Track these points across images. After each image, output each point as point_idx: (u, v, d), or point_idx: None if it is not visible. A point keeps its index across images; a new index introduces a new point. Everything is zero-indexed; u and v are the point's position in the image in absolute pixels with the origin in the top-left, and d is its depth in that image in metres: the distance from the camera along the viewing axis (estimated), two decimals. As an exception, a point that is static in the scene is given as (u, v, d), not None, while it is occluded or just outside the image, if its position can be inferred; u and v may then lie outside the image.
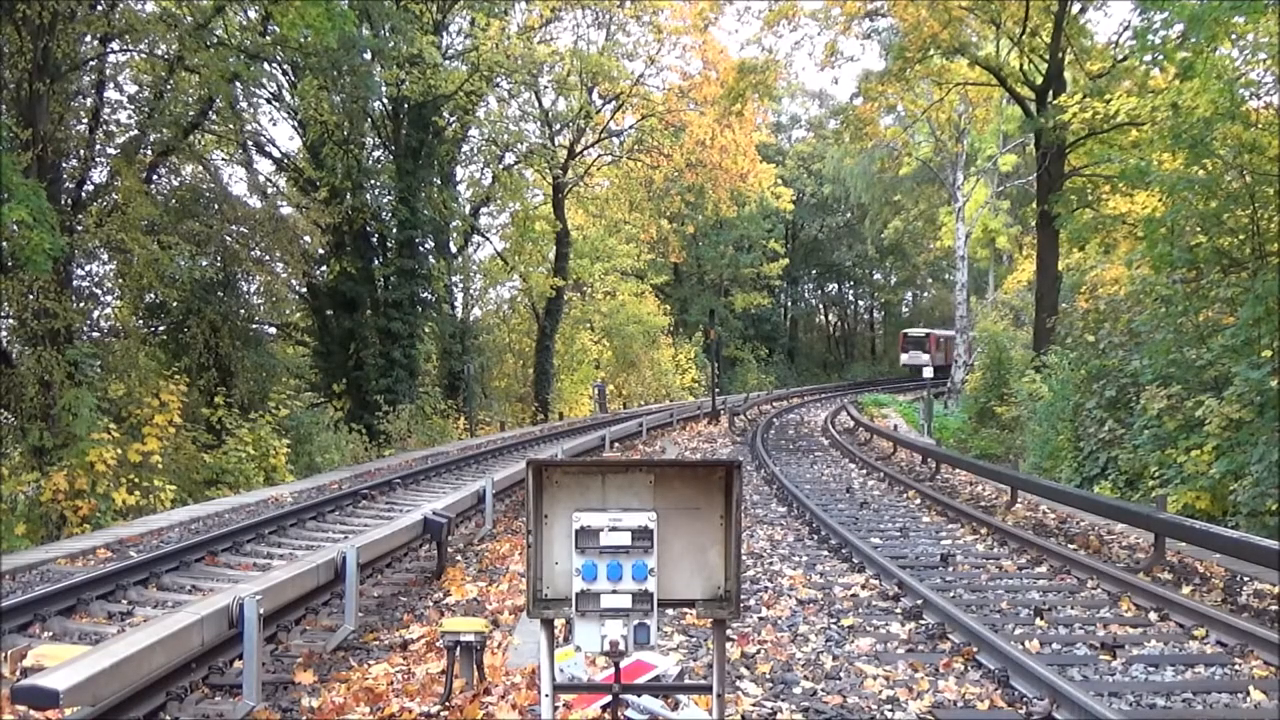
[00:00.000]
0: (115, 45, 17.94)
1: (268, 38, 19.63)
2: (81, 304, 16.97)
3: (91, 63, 17.35)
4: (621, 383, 42.21)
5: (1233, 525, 9.97)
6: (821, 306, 76.53)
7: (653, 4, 32.04)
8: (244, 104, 22.76)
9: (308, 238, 23.21)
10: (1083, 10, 25.13)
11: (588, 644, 2.85)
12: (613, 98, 33.81)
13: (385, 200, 26.42)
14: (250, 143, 25.15)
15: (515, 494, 12.67)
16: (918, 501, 13.09)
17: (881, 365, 68.46)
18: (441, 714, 4.89)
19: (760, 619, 7.05)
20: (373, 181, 26.10)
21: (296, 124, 25.34)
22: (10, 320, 15.76)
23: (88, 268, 18.76)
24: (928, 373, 31.01)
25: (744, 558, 7.11)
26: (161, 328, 20.57)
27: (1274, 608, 7.22)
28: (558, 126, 34.75)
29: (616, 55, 32.45)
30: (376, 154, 27.26)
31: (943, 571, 8.76)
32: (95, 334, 18.02)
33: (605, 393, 38.40)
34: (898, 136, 38.14)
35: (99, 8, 16.46)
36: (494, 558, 9.35)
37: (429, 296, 27.73)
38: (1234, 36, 13.46)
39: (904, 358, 58.36)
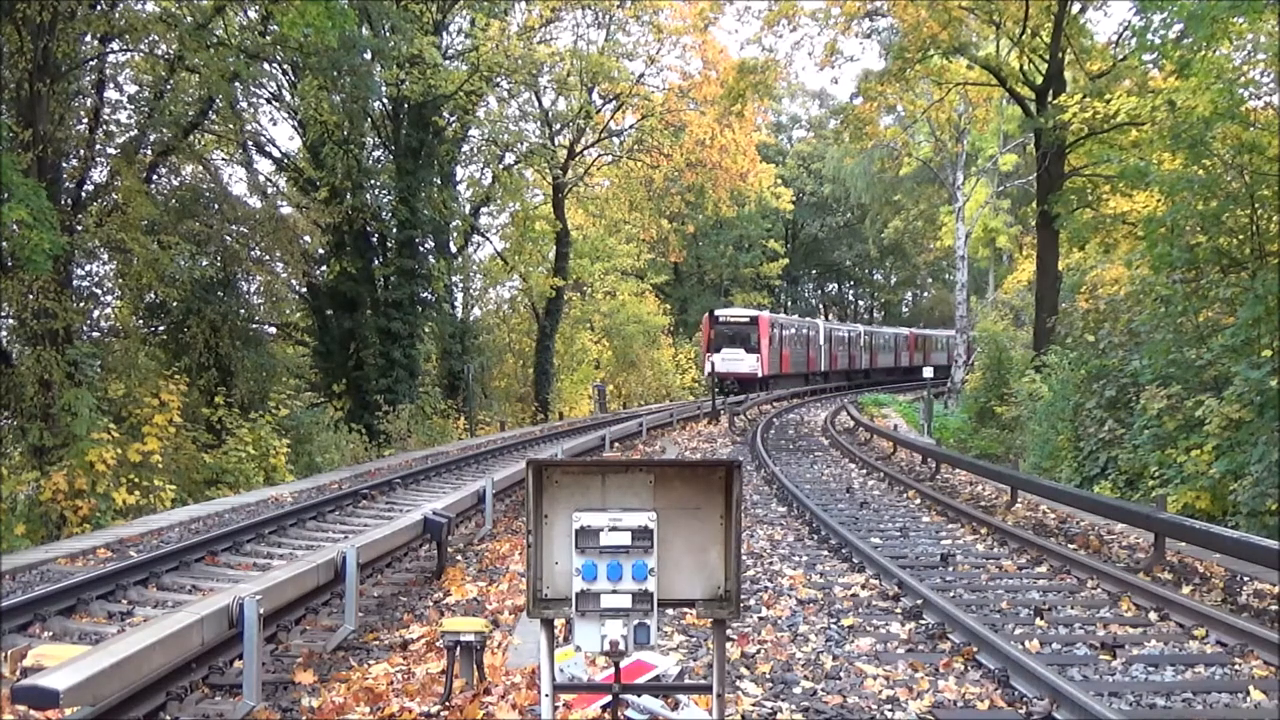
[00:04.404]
0: (115, 45, 17.96)
1: (268, 38, 19.64)
2: (81, 304, 16.98)
3: (91, 63, 17.36)
4: (621, 383, 42.20)
5: (1233, 525, 9.96)
6: (821, 306, 76.62)
7: (653, 4, 32.06)
8: (244, 104, 22.81)
9: (308, 238, 23.24)
10: (1083, 10, 25.13)
11: (588, 644, 2.86)
12: (613, 97, 33.83)
13: (385, 200, 26.44)
14: (250, 143, 25.19)
15: (515, 494, 12.67)
16: (918, 501, 13.09)
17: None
18: (441, 714, 4.89)
19: (760, 619, 7.05)
20: (373, 181, 26.11)
21: (296, 124, 25.36)
22: (10, 320, 15.76)
23: (88, 268, 18.81)
24: (928, 372, 30.84)
25: (744, 557, 7.11)
26: (161, 328, 20.58)
27: (1274, 608, 7.22)
28: (558, 126, 34.77)
29: (616, 55, 32.47)
30: (376, 154, 27.27)
31: (943, 571, 8.76)
32: (95, 334, 18.04)
33: (605, 393, 38.40)
34: (898, 136, 38.12)
35: (99, 8, 16.47)
36: (494, 558, 9.35)
37: (429, 296, 27.74)
38: (1233, 37, 13.45)
39: (713, 361, 35.24)
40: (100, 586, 7.53)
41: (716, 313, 38.27)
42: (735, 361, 35.29)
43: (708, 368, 35.87)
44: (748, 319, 37.14)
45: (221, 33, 19.20)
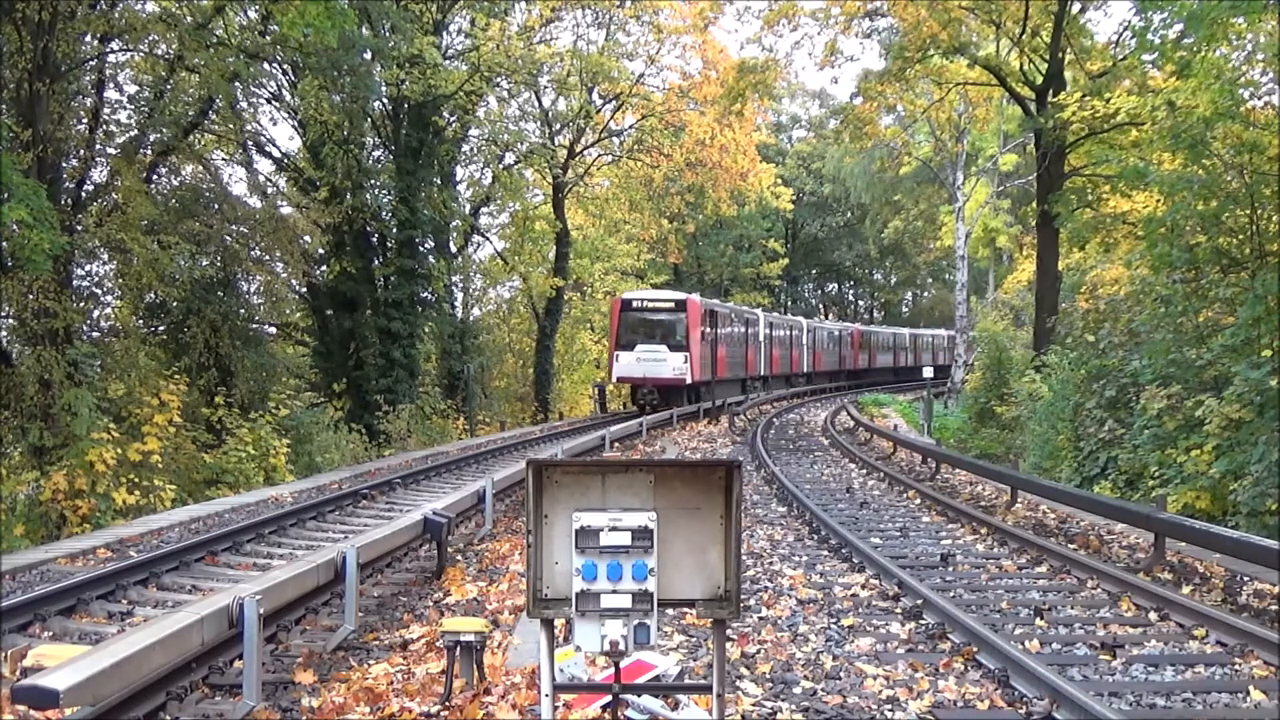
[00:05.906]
0: (115, 45, 17.96)
1: (268, 38, 19.65)
2: (81, 304, 16.98)
3: (91, 63, 17.36)
4: (622, 382, 42.17)
5: (1233, 525, 9.96)
6: (821, 306, 76.62)
7: (653, 4, 32.07)
8: (244, 104, 22.83)
9: (308, 238, 23.25)
10: (1083, 10, 25.13)
11: (588, 644, 2.86)
12: (613, 97, 33.84)
13: (385, 200, 26.45)
14: (250, 143, 25.22)
15: (515, 494, 12.66)
16: (918, 501, 13.08)
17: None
18: (441, 714, 4.89)
19: (760, 619, 7.05)
20: (373, 181, 26.13)
21: (296, 124, 25.38)
22: (10, 320, 15.77)
23: (88, 268, 18.82)
24: (928, 372, 30.80)
25: (744, 557, 7.12)
26: (161, 328, 20.60)
27: (1274, 608, 7.22)
28: (558, 126, 34.78)
29: (616, 55, 32.48)
30: (376, 154, 27.29)
31: (943, 571, 8.76)
32: (95, 334, 18.03)
33: (605, 392, 38.38)
34: (898, 136, 38.14)
35: (99, 8, 16.48)
36: (494, 558, 9.34)
37: (429, 296, 27.76)
38: (1233, 37, 13.45)
39: (622, 362, 26.84)
40: (100, 586, 7.52)
41: (629, 296, 28.74)
42: (655, 363, 26.17)
43: (614, 371, 27.23)
44: (673, 304, 27.45)
45: (221, 33, 19.21)
